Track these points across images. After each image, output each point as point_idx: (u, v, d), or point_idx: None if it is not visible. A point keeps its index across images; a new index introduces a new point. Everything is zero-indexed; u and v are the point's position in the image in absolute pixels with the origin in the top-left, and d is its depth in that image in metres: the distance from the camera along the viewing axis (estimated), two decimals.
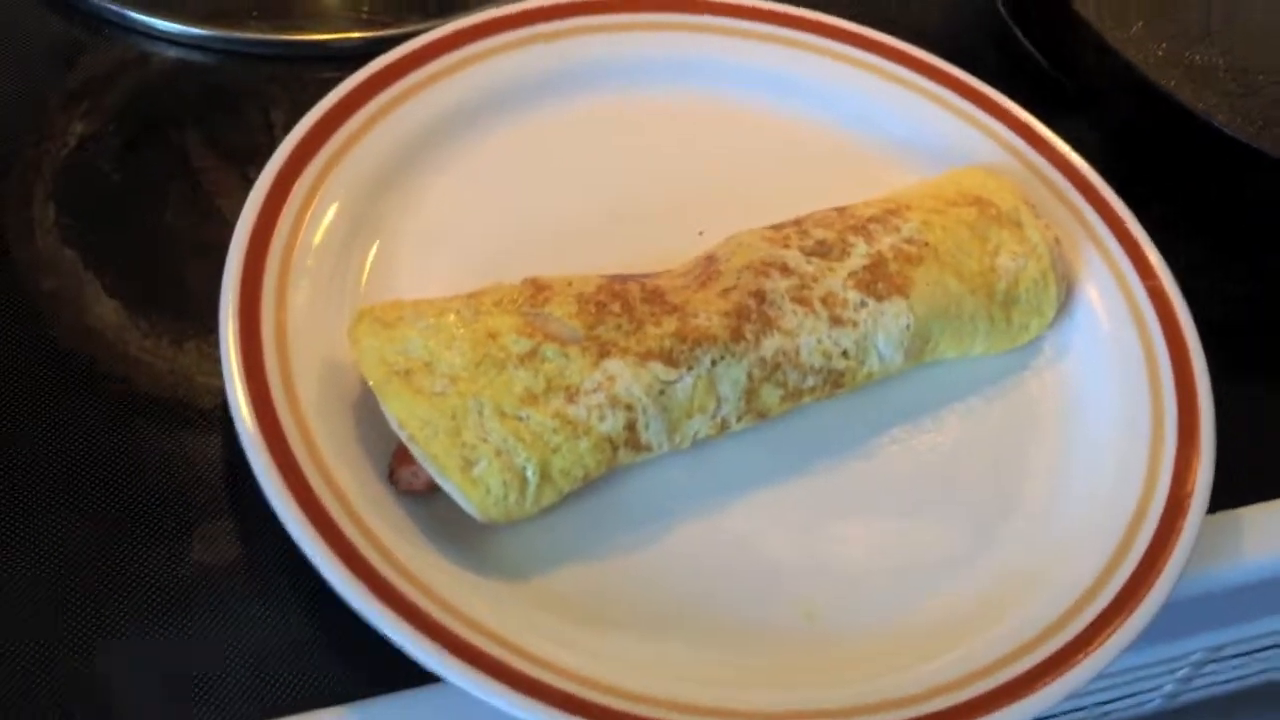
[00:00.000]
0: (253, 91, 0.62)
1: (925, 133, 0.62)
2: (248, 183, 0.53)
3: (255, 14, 0.64)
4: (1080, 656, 0.46)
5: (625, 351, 0.48)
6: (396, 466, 0.48)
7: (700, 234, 0.58)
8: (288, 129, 0.55)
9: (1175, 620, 0.50)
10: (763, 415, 0.51)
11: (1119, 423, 0.53)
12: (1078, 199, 0.59)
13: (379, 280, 0.54)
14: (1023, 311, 0.55)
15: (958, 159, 0.61)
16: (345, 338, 0.49)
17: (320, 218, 0.54)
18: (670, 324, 0.49)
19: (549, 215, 0.58)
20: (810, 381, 0.51)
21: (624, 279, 0.51)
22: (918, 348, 0.53)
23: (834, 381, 0.51)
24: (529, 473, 0.46)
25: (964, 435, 0.54)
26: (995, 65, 0.69)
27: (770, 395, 0.50)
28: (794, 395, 0.51)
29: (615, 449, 0.47)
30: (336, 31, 0.64)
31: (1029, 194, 0.58)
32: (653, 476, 0.50)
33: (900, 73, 0.63)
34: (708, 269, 0.53)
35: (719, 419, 0.49)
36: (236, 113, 0.61)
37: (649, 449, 0.48)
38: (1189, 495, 0.51)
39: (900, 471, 0.52)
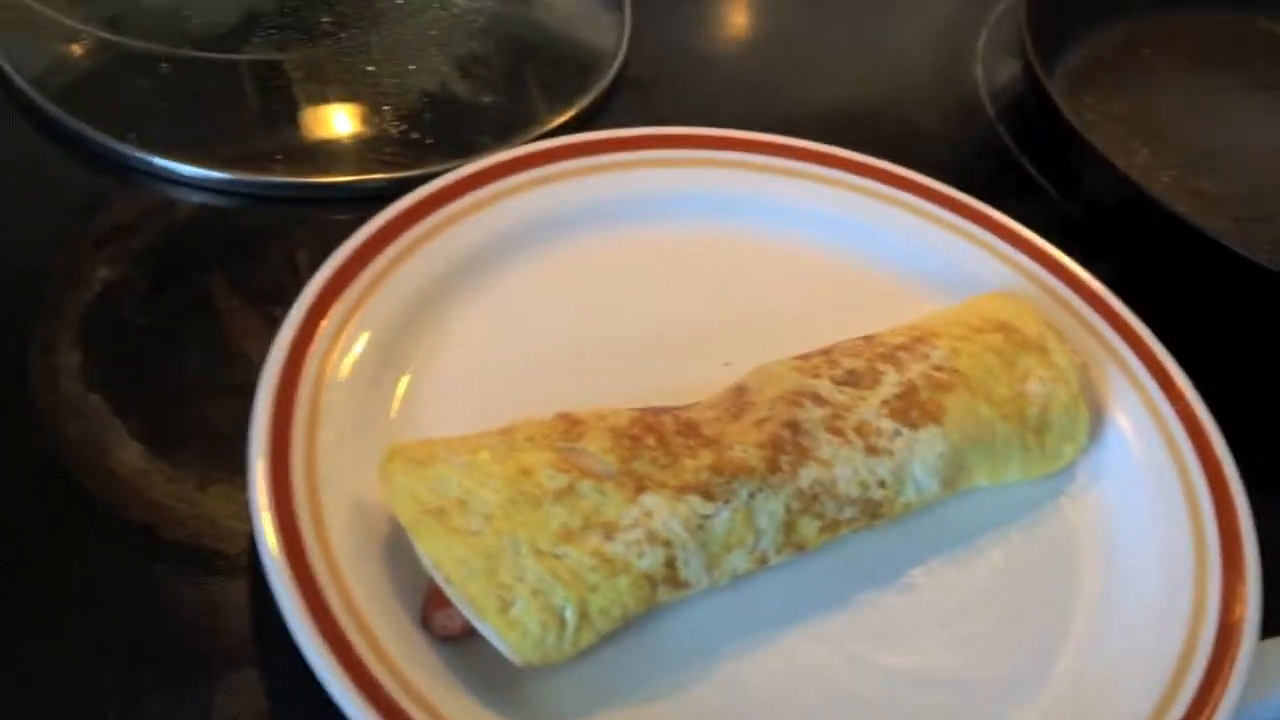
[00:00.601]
0: (277, 233, 0.63)
1: (947, 263, 0.63)
2: (273, 323, 0.53)
3: (279, 157, 0.65)
4: None
5: (662, 486, 0.47)
6: (430, 610, 0.46)
7: (727, 365, 0.57)
8: (313, 269, 0.56)
9: None
10: (801, 548, 0.50)
11: (1160, 550, 0.53)
12: (1100, 324, 0.60)
13: (409, 417, 0.54)
14: (1056, 437, 0.55)
15: (980, 287, 0.61)
16: (376, 477, 0.48)
17: (348, 355, 0.54)
18: (706, 457, 0.48)
19: (575, 348, 0.58)
20: (848, 512, 0.50)
21: (656, 411, 0.51)
22: (953, 475, 0.52)
23: (872, 512, 0.51)
24: (567, 613, 0.45)
25: (1005, 566, 0.53)
26: (1006, 195, 0.70)
27: (808, 527, 0.49)
28: (832, 526, 0.50)
29: (655, 586, 0.46)
30: (359, 173, 0.65)
31: (1053, 320, 0.58)
32: (692, 614, 0.49)
33: (919, 204, 0.64)
34: (739, 400, 0.52)
35: (758, 552, 0.48)
36: (261, 255, 0.62)
37: (688, 585, 0.47)
38: (1239, 622, 0.50)
39: (943, 605, 0.51)
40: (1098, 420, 0.57)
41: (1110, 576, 0.53)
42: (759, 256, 0.64)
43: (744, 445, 0.49)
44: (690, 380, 0.55)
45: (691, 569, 0.47)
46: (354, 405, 0.53)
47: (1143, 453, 0.56)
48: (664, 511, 0.47)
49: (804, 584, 0.50)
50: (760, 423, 0.50)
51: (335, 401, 0.52)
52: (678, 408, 0.52)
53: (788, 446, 0.50)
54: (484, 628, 0.44)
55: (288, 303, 0.54)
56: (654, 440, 0.49)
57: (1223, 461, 0.55)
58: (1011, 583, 0.52)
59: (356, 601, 0.46)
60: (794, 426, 0.50)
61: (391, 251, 0.58)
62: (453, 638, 0.46)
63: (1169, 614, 0.50)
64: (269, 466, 0.48)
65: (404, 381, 0.55)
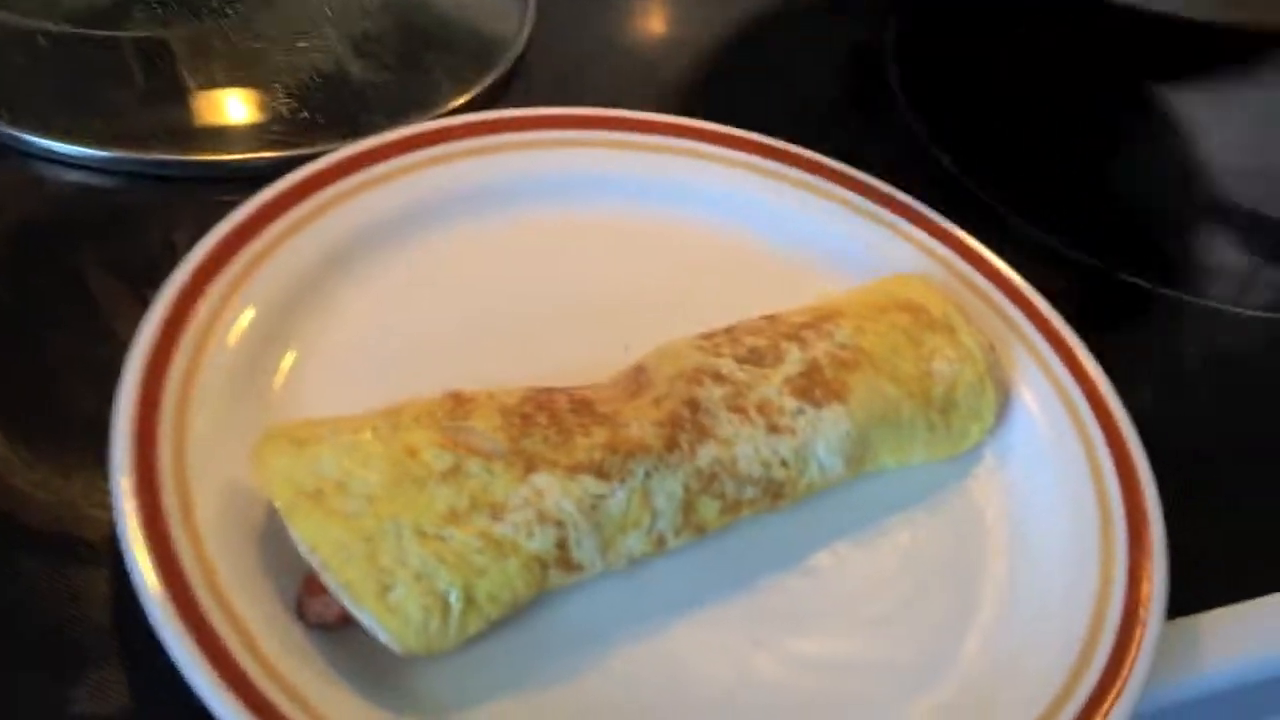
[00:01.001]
0: (156, 213, 0.60)
1: (854, 246, 0.61)
2: (147, 305, 0.50)
3: (162, 136, 0.62)
4: None
5: (553, 465, 0.45)
6: (305, 598, 0.44)
7: (627, 348, 0.55)
8: (189, 248, 0.53)
9: None
10: (701, 530, 0.48)
11: (1067, 530, 0.51)
12: (1008, 306, 0.59)
13: (292, 398, 0.51)
14: (962, 417, 0.54)
15: (885, 270, 0.60)
16: (250, 461, 0.45)
17: (226, 335, 0.51)
18: (600, 434, 0.46)
19: (469, 329, 0.55)
20: (749, 492, 0.48)
21: (550, 391, 0.49)
22: (858, 455, 0.51)
23: (774, 492, 0.49)
24: (452, 597, 0.42)
25: (910, 548, 0.51)
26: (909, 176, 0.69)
27: (708, 508, 0.47)
28: (733, 508, 0.48)
29: (545, 569, 0.44)
30: (246, 152, 0.62)
31: (959, 302, 0.57)
32: (585, 599, 0.46)
33: (829, 188, 0.63)
34: (637, 379, 0.50)
35: (655, 534, 0.46)
36: (138, 234, 0.59)
37: (581, 569, 0.45)
38: (1145, 601, 0.49)
39: (846, 588, 0.49)
40: (1005, 400, 0.55)
41: (1016, 557, 0.51)
42: (659, 238, 0.62)
43: (641, 423, 0.47)
44: (588, 363, 0.53)
45: (584, 550, 0.45)
46: (232, 387, 0.50)
47: (1049, 432, 0.55)
48: (555, 491, 0.45)
49: (703, 567, 0.48)
50: (658, 400, 0.48)
51: (211, 383, 0.49)
52: (572, 388, 0.50)
53: (686, 425, 0.48)
54: (362, 614, 0.42)
55: (162, 282, 0.51)
56: (545, 418, 0.47)
57: (1128, 440, 0.54)
58: (917, 565, 0.51)
59: (225, 592, 0.43)
60: (693, 404, 0.48)
61: (276, 229, 0.55)
62: (330, 627, 0.43)
63: (1076, 594, 0.49)
64: (133, 451, 0.45)
65: (288, 361, 0.52)
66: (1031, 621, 0.49)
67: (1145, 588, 0.49)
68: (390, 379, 0.51)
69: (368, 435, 0.45)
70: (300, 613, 0.44)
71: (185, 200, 0.60)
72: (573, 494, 0.45)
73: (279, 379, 0.52)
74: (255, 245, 0.54)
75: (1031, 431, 0.55)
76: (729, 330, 0.53)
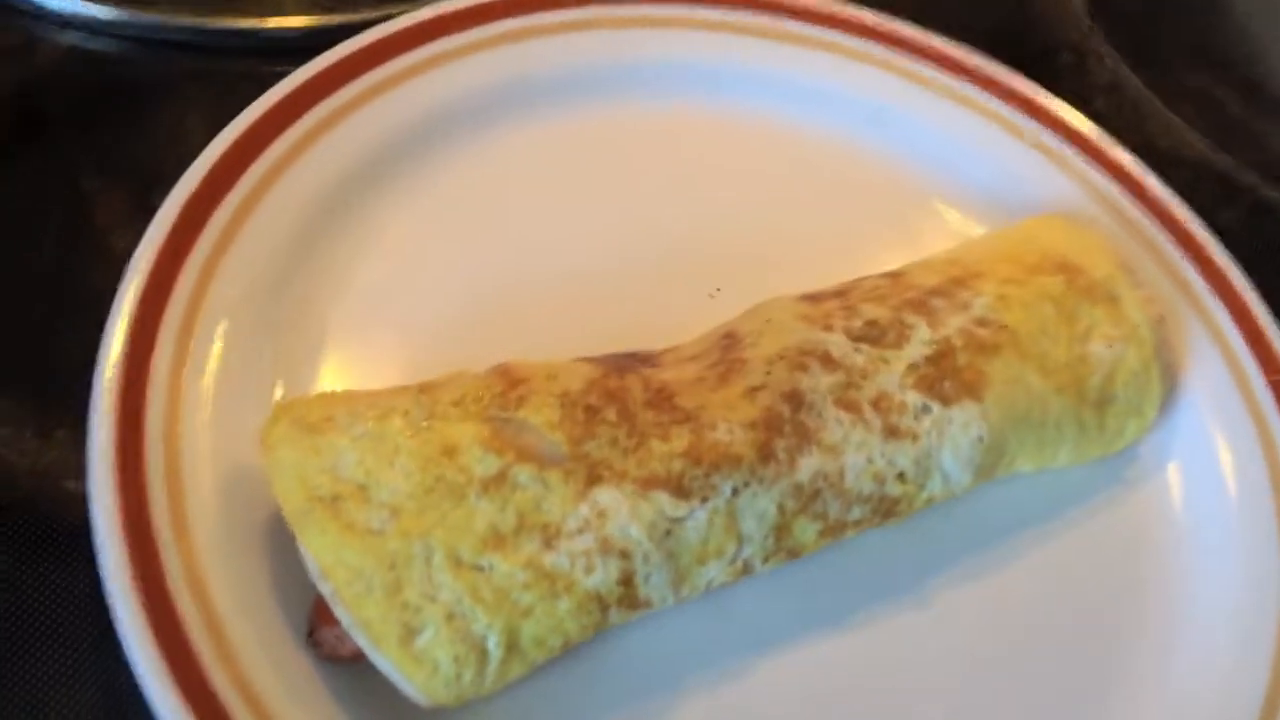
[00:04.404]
0: (163, 91, 0.50)
1: (993, 167, 0.51)
2: (148, 214, 0.42)
3: None
4: None
5: (622, 476, 0.37)
6: (318, 624, 0.36)
7: (715, 293, 0.47)
8: (205, 141, 0.44)
9: None
10: (794, 554, 0.39)
11: (1239, 557, 0.43)
12: (1187, 267, 0.48)
13: (307, 357, 0.43)
14: (1118, 413, 0.44)
15: (1033, 203, 0.49)
16: (257, 442, 0.37)
17: (236, 272, 0.43)
18: (681, 439, 0.38)
19: (525, 269, 0.46)
20: (856, 512, 0.40)
21: (621, 366, 0.40)
22: (990, 463, 0.42)
23: (885, 510, 0.40)
24: (490, 643, 0.35)
25: (1044, 575, 0.43)
26: (1066, 76, 0.57)
27: (805, 531, 0.39)
28: (835, 529, 0.40)
29: (606, 609, 0.36)
30: (271, 17, 0.52)
31: (1125, 256, 0.47)
32: (654, 632, 0.39)
33: (973, 95, 0.52)
34: (728, 354, 0.41)
35: (740, 563, 0.38)
36: (141, 118, 0.49)
37: (648, 605, 0.37)
38: None
39: (964, 625, 0.41)
40: (1171, 388, 0.46)
41: (1177, 590, 0.43)
42: (753, 145, 0.52)
43: (730, 424, 0.38)
44: (669, 313, 0.45)
45: (653, 586, 0.37)
46: (239, 341, 0.42)
47: (1222, 432, 0.45)
48: (622, 512, 0.36)
49: (795, 596, 0.40)
50: (753, 392, 0.39)
51: (213, 334, 0.41)
52: (650, 356, 0.41)
53: (785, 427, 0.39)
54: (381, 661, 0.34)
55: (169, 187, 0.43)
56: (615, 413, 0.38)
57: None
58: (1051, 598, 0.42)
59: (217, 609, 0.36)
60: (795, 399, 0.39)
61: (301, 127, 0.46)
62: (343, 661, 0.36)
63: (1250, 647, 0.40)
64: (115, 423, 0.38)
65: (305, 308, 0.44)
66: (1199, 679, 0.40)
67: None
68: (430, 320, 0.44)
69: (397, 423, 0.37)
70: (311, 640, 0.36)
71: (199, 75, 0.51)
72: (643, 517, 0.36)
73: (296, 331, 0.43)
74: (279, 145, 0.45)
75: (1200, 428, 0.45)
76: (841, 294, 0.43)
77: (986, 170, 0.51)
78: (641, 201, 0.49)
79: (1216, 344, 0.47)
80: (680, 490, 0.37)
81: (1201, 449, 0.45)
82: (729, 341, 0.42)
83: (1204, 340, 0.47)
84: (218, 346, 0.41)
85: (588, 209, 0.48)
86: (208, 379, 0.40)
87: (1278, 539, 0.42)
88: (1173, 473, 0.45)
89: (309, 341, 0.43)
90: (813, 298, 0.43)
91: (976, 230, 0.50)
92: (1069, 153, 0.51)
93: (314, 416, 0.37)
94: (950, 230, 0.50)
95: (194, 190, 0.43)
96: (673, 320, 0.44)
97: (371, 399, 0.38)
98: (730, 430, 0.38)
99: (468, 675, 0.35)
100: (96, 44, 0.51)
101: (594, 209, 0.48)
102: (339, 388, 0.42)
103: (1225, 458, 0.45)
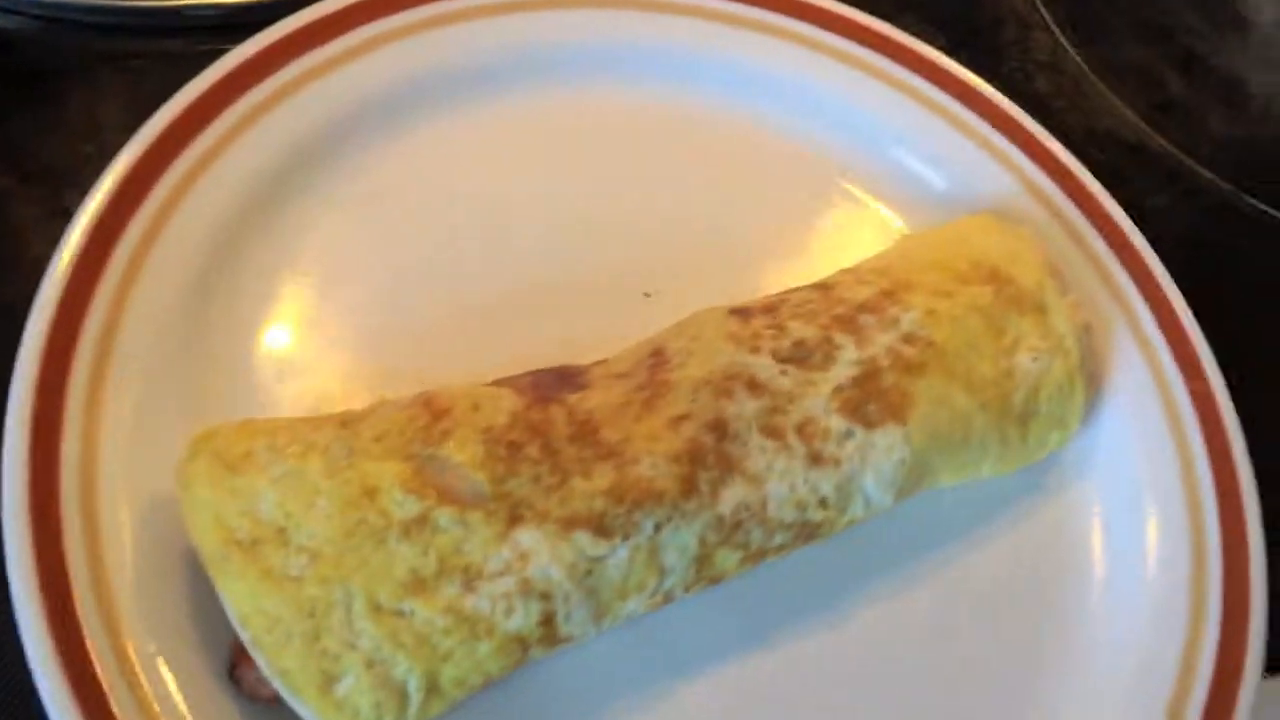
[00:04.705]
0: (77, 77, 0.48)
1: (924, 150, 0.51)
2: (63, 218, 0.41)
3: None
4: None
5: (543, 517, 0.37)
6: (239, 661, 0.37)
7: (647, 296, 0.46)
8: (126, 134, 0.43)
9: None
10: (715, 581, 0.40)
11: (1153, 577, 0.44)
12: (1117, 269, 0.48)
13: (232, 364, 0.42)
14: (1041, 425, 0.45)
15: (965, 194, 0.49)
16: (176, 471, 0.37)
17: (159, 277, 0.42)
18: (604, 475, 0.38)
19: (453, 268, 0.46)
20: (778, 539, 0.40)
21: (546, 391, 0.40)
22: (912, 483, 0.42)
23: (806, 535, 0.41)
24: (411, 686, 0.35)
25: (965, 587, 0.43)
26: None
27: (727, 560, 0.39)
28: (756, 555, 0.40)
29: (526, 648, 0.37)
30: None
31: (1053, 256, 0.47)
32: (577, 656, 0.39)
33: (893, 71, 0.51)
34: (655, 374, 0.41)
35: (659, 595, 0.39)
36: (54, 108, 0.47)
37: (569, 640, 0.38)
38: (1236, 678, 0.41)
39: (884, 640, 0.42)
40: (1094, 396, 0.46)
41: (1092, 598, 0.44)
42: (709, 140, 0.51)
43: (654, 457, 0.38)
44: (602, 317, 0.45)
45: (574, 623, 0.37)
46: (161, 353, 0.41)
47: (1141, 441, 0.46)
48: (543, 554, 0.36)
49: (717, 614, 0.41)
50: (677, 421, 0.39)
51: (132, 351, 0.40)
52: (579, 374, 0.41)
53: (709, 457, 0.39)
54: (301, 708, 0.35)
55: (86, 185, 0.42)
56: (538, 449, 0.38)
57: (1238, 464, 0.45)
58: (973, 610, 0.43)
59: (126, 640, 0.35)
60: (720, 428, 0.39)
61: (224, 123, 0.45)
62: (265, 701, 0.36)
63: (1153, 663, 0.42)
64: (29, 450, 0.37)
65: (230, 312, 0.43)
66: (1113, 684, 0.42)
67: (1237, 660, 0.42)
68: (363, 326, 0.43)
69: (316, 462, 0.37)
70: (233, 677, 0.37)
71: (114, 58, 0.49)
72: (564, 558, 0.36)
73: (220, 337, 0.42)
74: (200, 144, 0.44)
75: (1122, 436, 0.46)
76: (771, 310, 0.43)
77: (918, 154, 0.51)
78: (574, 194, 0.48)
79: (1142, 351, 0.47)
80: (602, 529, 0.37)
81: (1120, 452, 0.46)
82: (656, 360, 0.42)
83: (1130, 345, 0.47)
84: (140, 361, 0.40)
85: (521, 202, 0.47)
86: (130, 394, 0.39)
87: (1189, 543, 0.43)
88: (1093, 476, 0.46)
89: (234, 347, 0.42)
90: (742, 313, 0.43)
91: (904, 219, 0.50)
92: (1002, 142, 0.50)
93: (233, 453, 0.37)
94: (881, 224, 0.49)
95: (111, 194, 0.42)
96: (606, 325, 0.44)
97: (293, 431, 0.38)
98: (654, 464, 0.38)
99: (388, 718, 0.35)
100: (2, 22, 0.48)
101: (527, 202, 0.47)
102: (262, 402, 0.41)
103: (1142, 465, 0.45)
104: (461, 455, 0.37)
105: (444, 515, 0.36)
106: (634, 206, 0.48)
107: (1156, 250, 0.48)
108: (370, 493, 0.36)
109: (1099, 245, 0.48)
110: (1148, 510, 0.45)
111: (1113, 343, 0.47)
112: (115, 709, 0.34)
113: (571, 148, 0.49)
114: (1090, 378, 0.45)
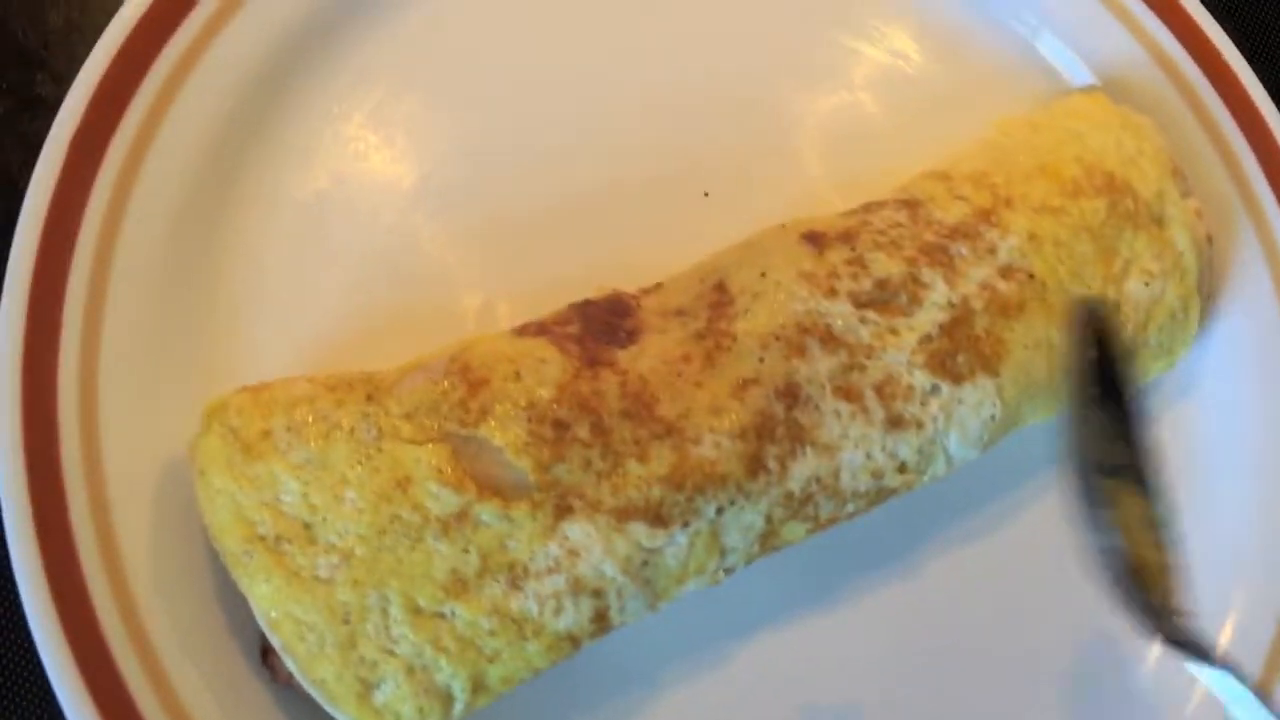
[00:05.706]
0: None
1: (1046, 10, 0.43)
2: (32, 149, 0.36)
3: None
4: None
5: (595, 507, 0.33)
6: (270, 648, 0.34)
7: (705, 196, 0.41)
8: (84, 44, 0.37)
9: None
10: (778, 549, 0.37)
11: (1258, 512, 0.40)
12: (1250, 162, 0.42)
13: (250, 305, 0.38)
14: (1145, 358, 0.40)
15: (1081, 66, 0.42)
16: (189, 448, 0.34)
17: (154, 193, 0.37)
18: (661, 460, 0.34)
19: (492, 160, 0.40)
20: (850, 508, 0.37)
21: (595, 357, 0.35)
22: (999, 436, 0.38)
23: (880, 500, 0.37)
24: (456, 689, 0.33)
25: (1043, 531, 0.40)
26: None
27: (793, 532, 0.36)
28: (825, 524, 0.37)
29: (578, 644, 0.34)
30: None
31: (1176, 150, 0.41)
32: (631, 628, 0.37)
33: None
34: (716, 320, 0.36)
35: (720, 573, 0.36)
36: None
37: (621, 627, 0.35)
38: None
39: (956, 589, 0.39)
40: (1207, 320, 0.41)
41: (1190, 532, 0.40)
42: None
43: (716, 435, 0.34)
44: (655, 219, 0.40)
45: (628, 613, 0.35)
46: (159, 283, 0.37)
47: (1259, 368, 0.41)
48: (595, 549, 0.33)
49: (781, 572, 0.38)
50: (743, 387, 0.35)
51: (132, 271, 0.36)
52: (628, 313, 0.36)
53: (778, 429, 0.35)
54: (340, 716, 0.33)
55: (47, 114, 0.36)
56: (588, 429, 0.34)
57: None
58: (1054, 555, 0.40)
59: (149, 632, 0.33)
60: (790, 394, 0.35)
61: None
62: (301, 687, 0.34)
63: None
64: (23, 391, 0.34)
65: (235, 226, 0.38)
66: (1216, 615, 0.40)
67: None
68: (395, 229, 0.39)
69: (343, 447, 0.33)
70: (266, 663, 0.35)
71: None
72: (618, 552, 0.33)
73: (228, 259, 0.38)
74: (182, 35, 0.38)
75: (1234, 362, 0.41)
76: (849, 237, 0.37)
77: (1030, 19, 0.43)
78: (622, 80, 0.42)
79: (1269, 262, 0.41)
80: (659, 519, 0.34)
81: (1232, 379, 0.41)
82: (718, 298, 0.37)
83: (1256, 257, 0.41)
84: (139, 288, 0.36)
85: (567, 87, 0.41)
86: (124, 336, 0.35)
87: None
88: (1196, 401, 0.41)
89: (248, 280, 0.38)
90: (816, 240, 0.37)
91: (1013, 99, 0.43)
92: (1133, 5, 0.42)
93: (250, 432, 0.33)
94: (973, 101, 0.43)
95: (85, 108, 0.37)
96: (657, 229, 0.40)
97: (313, 405, 0.34)
98: (717, 444, 0.34)
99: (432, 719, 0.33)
100: None
101: (572, 88, 0.41)
102: (275, 345, 0.37)
103: (1257, 389, 0.41)
104: (502, 438, 0.33)
105: (485, 510, 0.33)
106: (704, 84, 0.42)
107: None
108: (403, 484, 0.33)
109: (1235, 137, 0.41)
110: (1258, 437, 0.41)
111: (1236, 254, 0.41)
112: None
113: (635, 28, 0.42)
114: (1207, 298, 0.40)
